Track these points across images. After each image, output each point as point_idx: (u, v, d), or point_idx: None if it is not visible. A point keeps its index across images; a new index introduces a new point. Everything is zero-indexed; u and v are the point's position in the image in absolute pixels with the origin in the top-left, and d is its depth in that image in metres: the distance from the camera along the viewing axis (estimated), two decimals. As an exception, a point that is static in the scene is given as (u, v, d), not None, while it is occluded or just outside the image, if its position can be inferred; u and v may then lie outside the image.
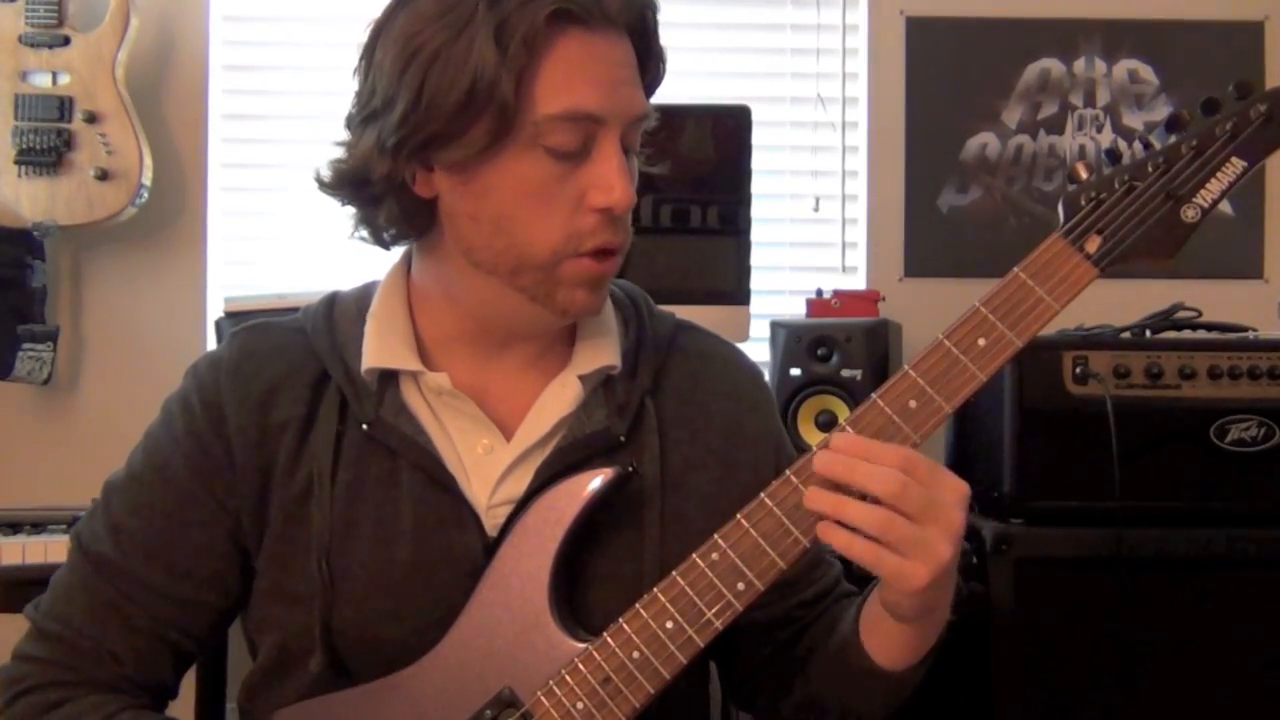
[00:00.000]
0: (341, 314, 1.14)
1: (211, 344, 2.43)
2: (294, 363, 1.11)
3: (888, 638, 1.04)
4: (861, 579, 1.09)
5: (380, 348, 1.10)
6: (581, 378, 1.11)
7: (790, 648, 1.16)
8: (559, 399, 1.11)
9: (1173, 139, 1.00)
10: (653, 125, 1.11)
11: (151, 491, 1.10)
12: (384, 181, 1.05)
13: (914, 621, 1.01)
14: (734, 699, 1.25)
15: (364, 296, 1.15)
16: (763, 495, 0.99)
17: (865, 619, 1.06)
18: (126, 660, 1.08)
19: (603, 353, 1.13)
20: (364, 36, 1.06)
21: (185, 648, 1.11)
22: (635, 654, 1.00)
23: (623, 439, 1.11)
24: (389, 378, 1.10)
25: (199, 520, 1.09)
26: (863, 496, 0.95)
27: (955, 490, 0.95)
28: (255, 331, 1.14)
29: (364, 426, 1.08)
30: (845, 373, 2.09)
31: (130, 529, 1.10)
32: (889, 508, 0.93)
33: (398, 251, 1.17)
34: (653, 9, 1.08)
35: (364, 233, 1.12)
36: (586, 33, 1.02)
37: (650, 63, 1.09)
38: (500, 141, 1.01)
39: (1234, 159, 0.99)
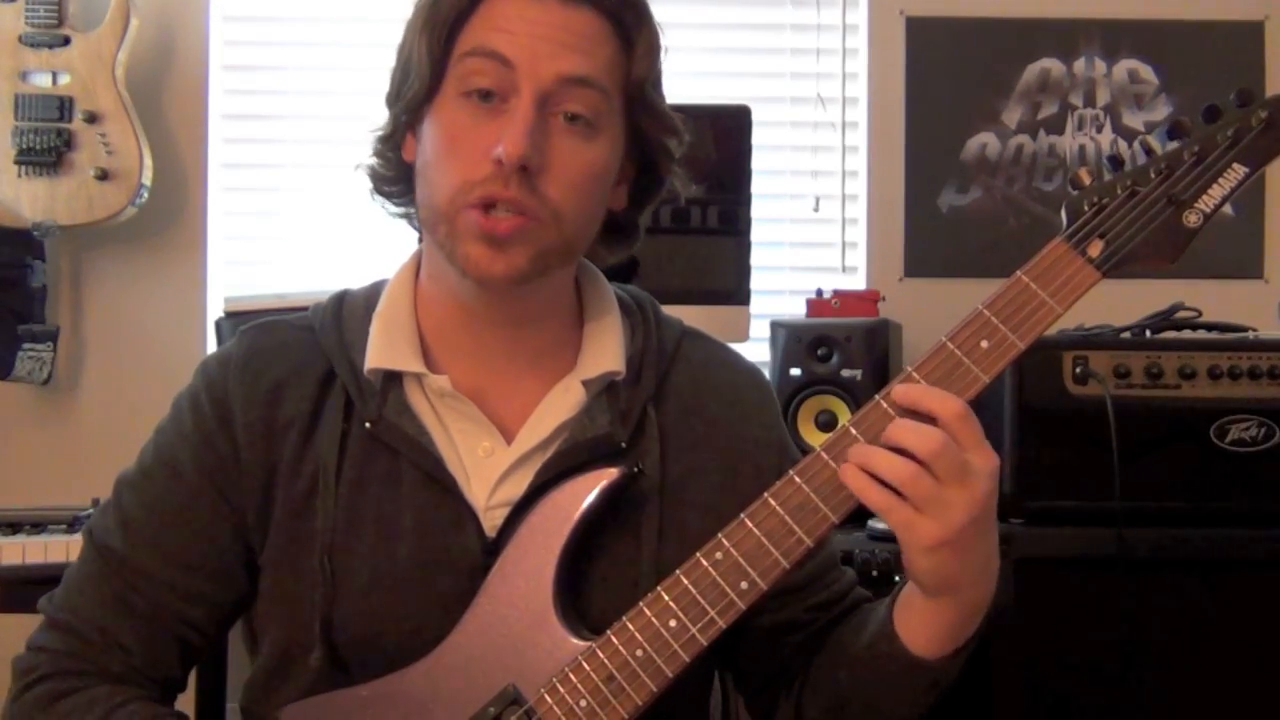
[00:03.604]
0: (349, 313, 1.15)
1: (212, 344, 2.43)
2: (301, 360, 1.12)
3: (918, 617, 1.03)
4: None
5: (384, 348, 1.10)
6: (585, 383, 1.12)
7: (808, 652, 1.15)
8: (561, 403, 1.11)
9: (1174, 145, 1.01)
10: (672, 141, 1.14)
11: (160, 487, 1.11)
12: (381, 142, 1.14)
13: (939, 596, 1.00)
14: (754, 712, 1.24)
15: (373, 296, 1.16)
16: (766, 495, 1.00)
17: (899, 602, 1.06)
18: (135, 652, 1.09)
19: (607, 358, 1.13)
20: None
21: (192, 641, 1.12)
22: (639, 652, 1.00)
23: (624, 445, 1.11)
24: (393, 378, 1.11)
25: (206, 515, 1.10)
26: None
27: (990, 460, 0.96)
28: (264, 329, 1.15)
29: (367, 425, 1.09)
30: (845, 373, 2.09)
31: (139, 523, 1.10)
32: (923, 464, 0.93)
33: (397, 251, 1.18)
34: None
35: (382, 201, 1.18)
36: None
37: (636, 43, 1.09)
38: (435, 89, 1.06)
39: (1235, 165, 0.99)
